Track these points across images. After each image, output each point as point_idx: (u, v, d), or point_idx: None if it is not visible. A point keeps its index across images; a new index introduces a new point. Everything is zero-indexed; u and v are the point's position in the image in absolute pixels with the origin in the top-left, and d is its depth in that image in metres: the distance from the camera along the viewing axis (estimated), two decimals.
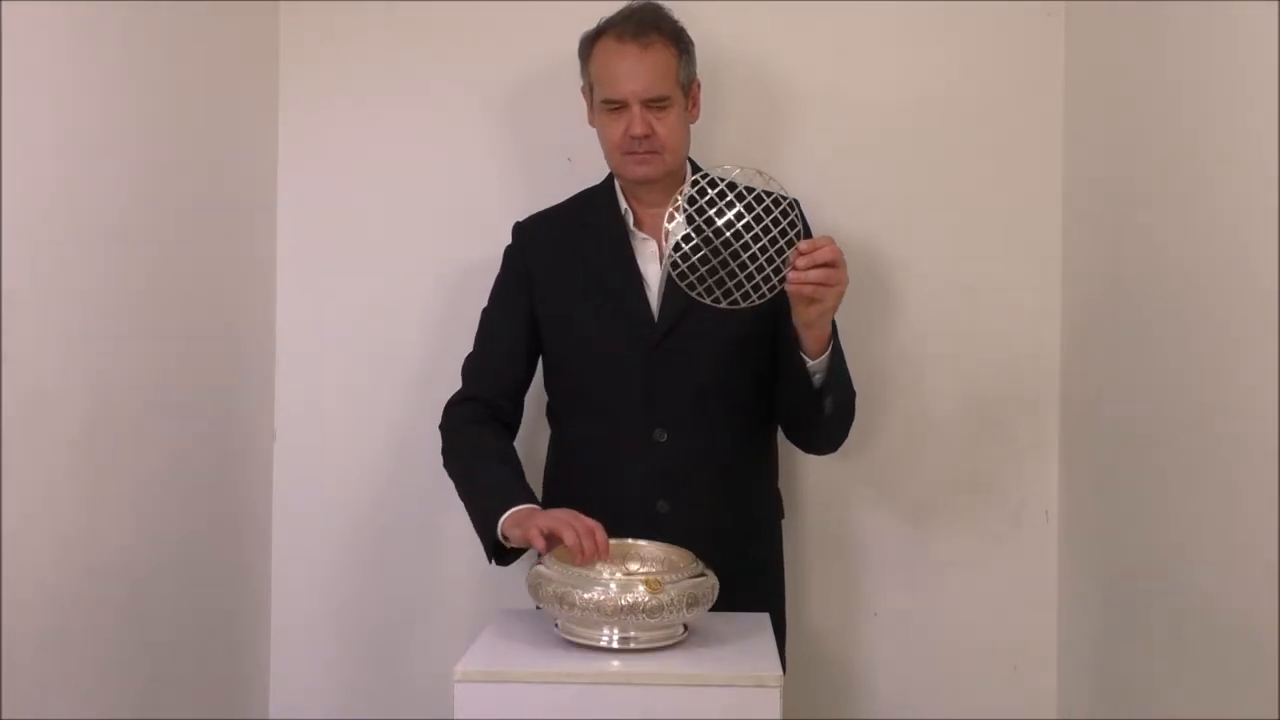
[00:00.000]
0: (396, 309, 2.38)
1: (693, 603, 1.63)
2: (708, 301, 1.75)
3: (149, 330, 1.93)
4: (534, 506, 1.82)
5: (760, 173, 1.79)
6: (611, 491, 1.95)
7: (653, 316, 1.98)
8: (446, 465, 2.01)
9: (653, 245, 2.01)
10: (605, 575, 1.64)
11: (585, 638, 1.65)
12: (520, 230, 2.10)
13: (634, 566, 1.75)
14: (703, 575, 1.68)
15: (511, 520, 1.79)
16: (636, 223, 2.03)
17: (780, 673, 1.54)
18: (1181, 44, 1.82)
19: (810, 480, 2.35)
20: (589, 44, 2.00)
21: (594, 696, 1.53)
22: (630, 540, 1.79)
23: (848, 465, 2.33)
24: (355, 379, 2.38)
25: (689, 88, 2.00)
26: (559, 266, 2.04)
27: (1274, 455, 1.52)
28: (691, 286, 1.76)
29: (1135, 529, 1.99)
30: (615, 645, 1.63)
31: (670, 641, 1.66)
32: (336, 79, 2.37)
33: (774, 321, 1.93)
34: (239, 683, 2.29)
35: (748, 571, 2.01)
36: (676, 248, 1.77)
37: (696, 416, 1.97)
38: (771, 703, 1.51)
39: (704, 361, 1.97)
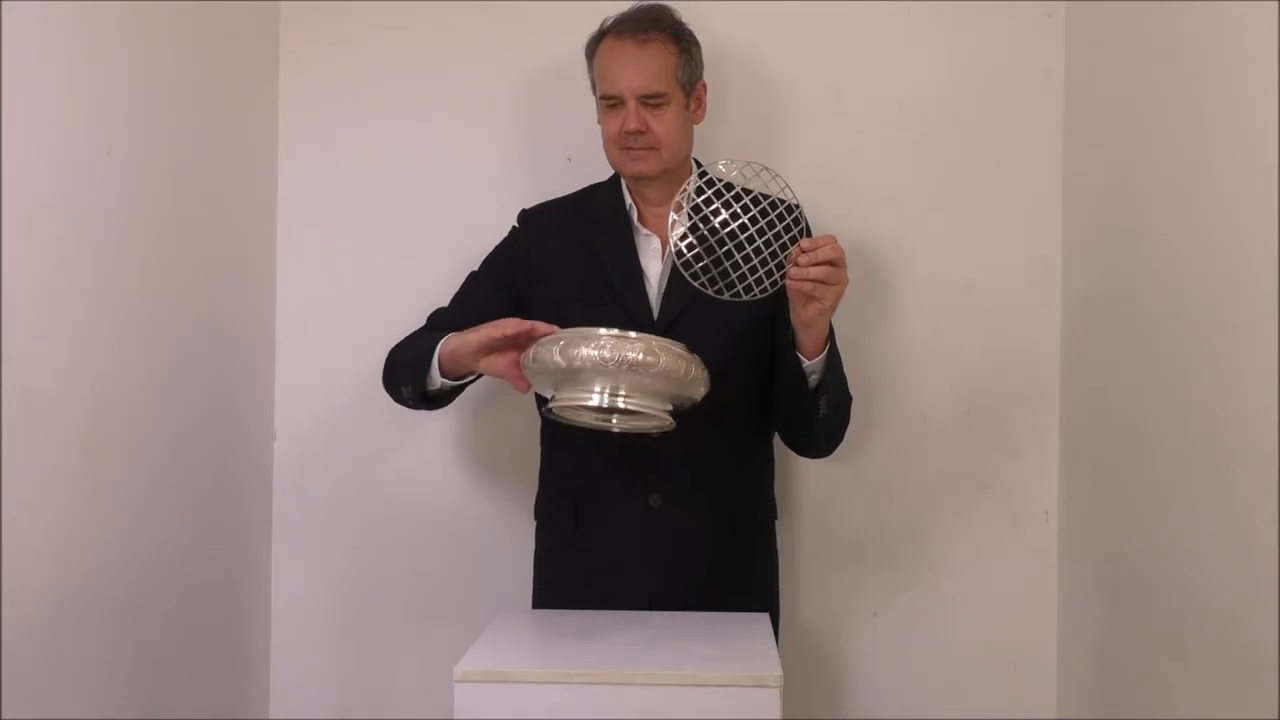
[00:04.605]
0: (396, 309, 2.36)
1: (680, 380, 1.67)
2: (710, 293, 1.76)
3: (149, 330, 1.93)
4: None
5: (766, 168, 1.79)
6: (605, 485, 1.97)
7: (652, 312, 1.98)
8: (386, 376, 2.02)
9: (655, 242, 2.02)
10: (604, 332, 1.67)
11: (577, 400, 1.69)
12: (525, 217, 2.10)
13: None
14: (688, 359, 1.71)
15: (456, 340, 1.84)
16: (640, 219, 2.04)
17: (780, 672, 1.54)
18: (1182, 44, 1.82)
19: (810, 479, 2.34)
20: (594, 44, 2.02)
21: (594, 696, 1.53)
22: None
23: (847, 465, 2.33)
24: (355, 378, 2.37)
25: (691, 87, 2.00)
26: (560, 258, 2.04)
27: (1274, 455, 1.52)
28: (695, 277, 1.77)
29: (1135, 529, 1.98)
30: (605, 404, 1.68)
31: (658, 427, 1.72)
32: (336, 79, 2.37)
33: (772, 322, 1.94)
34: (239, 683, 2.29)
35: (742, 570, 2.01)
36: (683, 237, 1.78)
37: (692, 414, 1.97)
38: (771, 703, 1.51)
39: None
